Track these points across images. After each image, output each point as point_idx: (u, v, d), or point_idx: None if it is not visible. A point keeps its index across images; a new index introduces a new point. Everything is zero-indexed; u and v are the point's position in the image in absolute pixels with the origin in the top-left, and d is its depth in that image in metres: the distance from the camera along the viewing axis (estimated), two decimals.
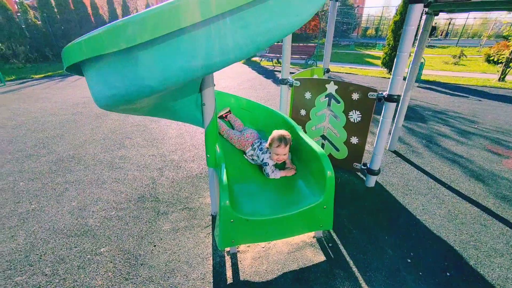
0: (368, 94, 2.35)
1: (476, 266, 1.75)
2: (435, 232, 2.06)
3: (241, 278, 1.66)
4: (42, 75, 8.91)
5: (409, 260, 1.81)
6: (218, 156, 1.87)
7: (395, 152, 3.39)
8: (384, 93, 2.26)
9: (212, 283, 1.62)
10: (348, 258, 1.81)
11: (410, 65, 3.01)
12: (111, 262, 1.75)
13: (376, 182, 2.70)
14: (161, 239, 1.95)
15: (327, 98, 2.63)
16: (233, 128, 2.66)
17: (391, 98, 2.21)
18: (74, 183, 2.65)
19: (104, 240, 1.93)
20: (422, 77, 8.06)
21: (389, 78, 8.40)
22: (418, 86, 7.29)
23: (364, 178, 2.72)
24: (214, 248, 1.88)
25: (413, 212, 2.28)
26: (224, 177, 1.72)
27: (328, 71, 3.76)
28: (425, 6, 2.58)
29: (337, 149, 2.77)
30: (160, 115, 1.91)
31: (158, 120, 4.46)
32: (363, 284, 1.62)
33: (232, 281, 1.64)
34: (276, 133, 2.01)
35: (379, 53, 14.11)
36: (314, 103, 2.75)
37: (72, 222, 2.12)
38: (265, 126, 2.63)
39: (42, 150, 3.40)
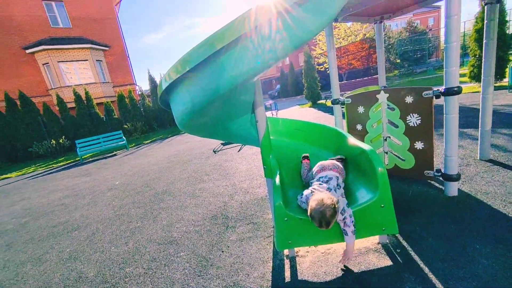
0: (423, 93, 2.25)
1: None
2: None
3: (299, 278, 1.66)
4: (149, 141, 11.62)
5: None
6: (273, 165, 2.10)
7: (490, 161, 2.81)
8: (440, 89, 2.13)
9: (271, 281, 1.68)
10: (421, 264, 1.57)
11: (484, 61, 2.70)
12: (187, 262, 2.06)
13: (462, 191, 2.29)
14: (228, 247, 2.17)
15: (380, 108, 2.61)
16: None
17: (450, 92, 2.06)
18: (165, 209, 3.28)
19: (183, 247, 2.30)
20: None
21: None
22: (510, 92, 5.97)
23: (443, 188, 2.35)
24: (275, 253, 1.96)
25: None
26: (277, 180, 1.91)
27: (385, 87, 3.69)
28: None
29: (402, 159, 2.56)
30: (221, 136, 2.34)
31: (232, 159, 5.10)
32: None
33: (289, 280, 1.66)
34: (314, 210, 1.52)
35: (466, 70, 12.37)
36: (368, 116, 2.74)
37: (162, 235, 2.60)
38: (318, 141, 2.71)
39: (146, 188, 4.37)
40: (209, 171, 4.66)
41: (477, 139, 2.98)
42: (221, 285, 1.74)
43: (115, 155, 9.22)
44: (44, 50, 14.34)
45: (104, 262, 2.30)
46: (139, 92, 18.17)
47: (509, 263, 1.48)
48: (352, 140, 2.09)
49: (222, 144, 7.15)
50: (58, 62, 14.82)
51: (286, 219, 1.74)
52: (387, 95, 2.51)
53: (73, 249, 2.65)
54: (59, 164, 9.32)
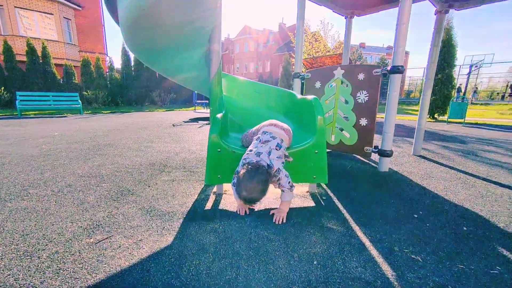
0: (373, 71, 2.39)
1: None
2: (456, 203, 1.74)
3: (220, 207, 1.60)
4: (109, 111, 10.79)
5: (415, 216, 1.53)
6: (220, 104, 2.02)
7: (420, 156, 3.09)
8: (388, 68, 2.29)
9: (189, 208, 1.59)
10: (340, 207, 1.62)
11: (427, 64, 2.99)
12: (107, 191, 1.87)
13: (392, 170, 2.46)
14: (156, 184, 2.03)
15: (335, 84, 2.73)
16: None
17: (395, 70, 2.22)
18: (102, 155, 2.99)
19: (108, 181, 2.09)
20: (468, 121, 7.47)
21: (432, 121, 8.02)
22: (463, 126, 6.78)
23: (377, 166, 2.51)
24: (203, 191, 1.88)
25: (432, 190, 1.98)
26: (219, 115, 1.84)
27: None
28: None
29: (347, 135, 2.68)
30: (172, 68, 2.20)
31: (189, 131, 4.92)
32: (352, 224, 1.41)
33: (209, 209, 1.59)
34: (243, 196, 1.32)
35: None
36: (324, 91, 2.84)
37: (88, 171, 2.35)
38: (275, 105, 2.69)
39: (88, 140, 3.98)
40: (162, 136, 4.43)
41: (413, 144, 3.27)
42: (136, 207, 1.60)
43: (65, 117, 8.33)
44: None
45: (4, 183, 1.99)
46: (108, 64, 16.90)
47: (415, 211, 1.59)
48: (300, 96, 2.13)
49: (184, 121, 6.91)
50: (15, 7, 13.21)
51: (219, 150, 1.67)
52: (343, 71, 2.63)
53: None
54: None
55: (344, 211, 1.58)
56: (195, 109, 11.51)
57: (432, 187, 2.04)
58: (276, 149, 1.49)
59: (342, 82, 2.66)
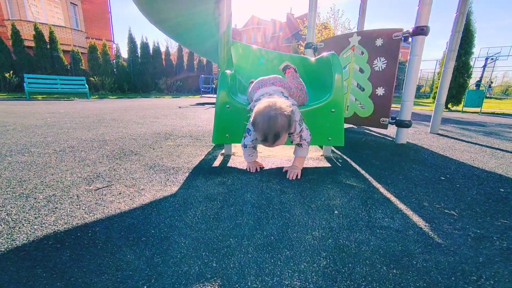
0: (393, 35, 2.22)
1: None
2: (487, 169, 1.59)
3: (228, 165, 1.49)
4: (115, 97, 10.77)
5: (442, 178, 1.39)
6: (228, 59, 1.89)
7: (438, 134, 2.92)
8: (410, 30, 2.11)
9: (195, 165, 1.49)
10: (357, 167, 1.50)
11: (451, 34, 2.78)
12: (110, 152, 1.77)
13: (410, 143, 2.31)
14: (161, 147, 1.93)
15: (349, 52, 2.56)
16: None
17: (419, 31, 2.04)
18: (106, 126, 2.91)
19: (111, 144, 2.00)
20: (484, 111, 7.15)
21: (446, 111, 7.72)
22: (480, 114, 6.50)
23: (394, 139, 2.36)
24: (210, 153, 1.77)
25: (457, 159, 1.83)
26: (228, 72, 1.71)
27: None
28: None
29: (362, 107, 2.53)
30: (182, 28, 2.08)
31: (195, 111, 4.82)
32: (373, 182, 1.28)
33: (217, 166, 1.48)
34: (261, 113, 1.09)
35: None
36: None
37: (92, 137, 2.26)
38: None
39: (93, 116, 3.91)
40: (168, 114, 4.33)
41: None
42: (139, 164, 1.50)
43: (72, 100, 8.33)
44: None
45: (6, 144, 1.92)
46: (115, 51, 16.82)
47: (426, 174, 1.45)
48: (313, 58, 1.98)
49: (190, 105, 6.81)
50: None
51: (228, 106, 1.56)
52: (360, 37, 2.46)
53: None
54: None
55: (363, 172, 1.45)
56: (201, 96, 11.40)
57: (456, 157, 1.88)
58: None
59: (358, 49, 2.49)
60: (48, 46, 11.50)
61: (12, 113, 3.90)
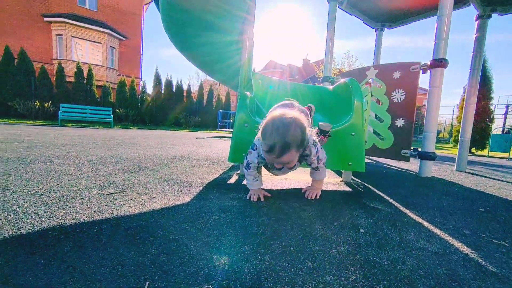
0: (411, 68, 2.25)
1: None
2: None
3: (243, 183, 1.43)
4: (136, 128, 11.34)
5: (481, 209, 1.25)
6: (248, 81, 1.96)
7: (466, 172, 2.73)
8: (428, 62, 2.14)
9: (209, 181, 1.44)
10: (383, 195, 1.38)
11: (469, 70, 2.79)
12: (126, 167, 1.79)
13: (435, 177, 2.16)
14: (176, 166, 1.92)
15: (367, 85, 2.60)
16: None
17: (436, 64, 2.06)
18: (124, 148, 3.00)
19: (128, 161, 2.02)
20: None
21: (470, 155, 7.40)
22: (509, 160, 6.16)
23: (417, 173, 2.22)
24: (226, 172, 1.73)
25: (494, 194, 1.66)
26: (249, 94, 1.76)
27: None
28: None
29: (381, 138, 2.46)
30: (205, 54, 2.23)
31: (211, 142, 4.92)
32: (400, 207, 1.16)
33: (231, 183, 1.43)
34: (272, 120, 0.99)
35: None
36: None
37: (111, 155, 2.32)
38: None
39: (115, 140, 4.08)
40: (185, 143, 4.43)
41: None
42: (153, 177, 1.48)
43: (97, 128, 8.84)
44: (62, 22, 14.69)
45: (31, 155, 1.99)
46: (141, 87, 18.26)
47: (461, 205, 1.30)
48: (332, 86, 2.02)
49: (207, 137, 6.99)
50: (72, 36, 15.10)
51: (246, 125, 1.56)
52: (377, 71, 2.51)
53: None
54: (35, 123, 8.84)
55: (387, 197, 1.34)
56: (218, 129, 11.75)
57: (493, 192, 1.72)
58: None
59: (375, 82, 2.52)
60: (85, 82, 12.72)
61: (44, 135, 4.16)
